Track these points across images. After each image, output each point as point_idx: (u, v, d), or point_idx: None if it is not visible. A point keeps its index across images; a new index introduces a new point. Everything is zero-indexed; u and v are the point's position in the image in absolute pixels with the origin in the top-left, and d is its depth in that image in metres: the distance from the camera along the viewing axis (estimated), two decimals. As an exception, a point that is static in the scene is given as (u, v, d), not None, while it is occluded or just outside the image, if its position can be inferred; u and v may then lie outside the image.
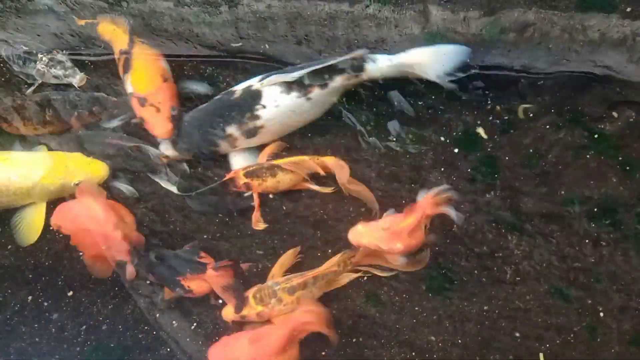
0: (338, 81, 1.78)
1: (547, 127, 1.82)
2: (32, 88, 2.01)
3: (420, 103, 1.86)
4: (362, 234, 1.63)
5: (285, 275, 1.75)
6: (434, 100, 1.86)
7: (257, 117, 1.80)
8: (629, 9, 1.67)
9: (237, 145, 1.84)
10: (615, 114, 1.82)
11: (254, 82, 1.81)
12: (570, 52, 1.74)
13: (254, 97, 1.80)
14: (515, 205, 1.78)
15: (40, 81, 2.00)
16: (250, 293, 1.70)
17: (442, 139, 1.84)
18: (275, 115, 1.80)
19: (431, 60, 1.73)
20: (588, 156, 1.79)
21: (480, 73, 1.79)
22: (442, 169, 1.81)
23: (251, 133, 1.82)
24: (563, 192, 1.78)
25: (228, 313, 1.72)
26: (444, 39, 1.74)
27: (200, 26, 1.90)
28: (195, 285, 1.73)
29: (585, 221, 1.75)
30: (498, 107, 1.84)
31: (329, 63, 1.76)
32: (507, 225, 1.77)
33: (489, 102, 1.85)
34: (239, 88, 1.84)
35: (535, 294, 1.72)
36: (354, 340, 1.74)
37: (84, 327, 1.87)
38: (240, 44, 1.91)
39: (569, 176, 1.79)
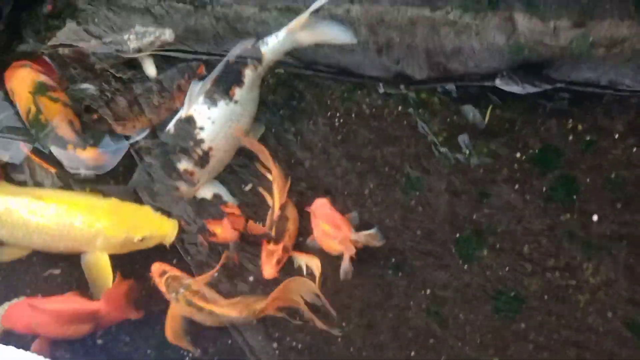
0: (248, 74, 1.81)
1: (633, 149, 1.72)
2: (148, 66, 2.05)
3: (497, 116, 1.82)
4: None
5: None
6: (511, 114, 1.81)
7: (201, 141, 1.79)
8: None
9: (197, 180, 1.81)
10: None
11: (181, 112, 1.83)
12: None
13: (187, 124, 1.80)
14: (594, 230, 1.68)
15: (145, 53, 2.05)
16: (165, 277, 1.70)
17: (518, 155, 1.77)
18: (215, 132, 1.79)
19: (311, 30, 1.76)
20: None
21: (564, 87, 1.73)
22: (516, 187, 1.75)
23: (204, 160, 1.80)
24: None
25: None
26: (531, 51, 1.71)
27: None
28: (220, 230, 1.74)
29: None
30: (580, 126, 1.76)
31: (225, 62, 1.81)
32: (582, 250, 1.67)
33: (571, 119, 1.77)
34: (170, 125, 1.84)
35: (609, 324, 1.61)
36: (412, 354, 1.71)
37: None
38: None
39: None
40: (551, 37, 1.69)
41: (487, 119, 1.82)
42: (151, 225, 1.77)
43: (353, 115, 1.92)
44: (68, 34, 2.15)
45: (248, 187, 1.89)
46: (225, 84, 1.80)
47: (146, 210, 1.81)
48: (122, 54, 2.06)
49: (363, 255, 1.69)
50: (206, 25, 2.11)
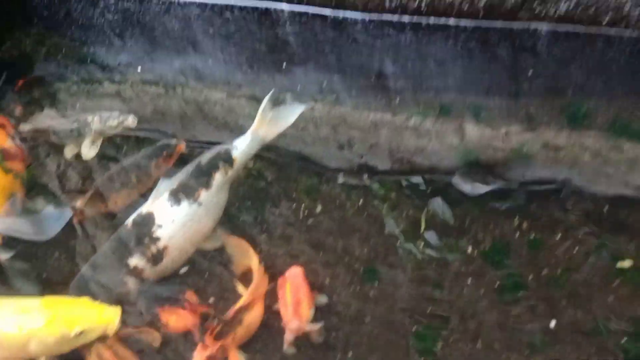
0: (218, 178, 1.83)
1: (577, 247, 1.81)
2: (93, 146, 2.09)
3: (459, 212, 1.90)
4: None
5: None
6: (472, 210, 1.89)
7: (157, 239, 1.76)
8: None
9: (146, 278, 1.78)
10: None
11: (143, 207, 1.83)
12: (604, 173, 1.83)
13: (147, 220, 1.79)
14: (542, 325, 1.72)
15: (102, 137, 2.09)
16: None
17: (471, 250, 1.84)
18: (174, 231, 1.78)
19: (272, 122, 1.87)
20: (618, 282, 1.75)
21: (513, 187, 1.86)
22: (470, 280, 1.80)
23: (157, 258, 1.77)
24: (592, 314, 1.73)
25: None
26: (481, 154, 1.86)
27: (245, 118, 2.06)
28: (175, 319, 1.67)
29: (618, 343, 1.66)
30: (527, 224, 1.85)
31: (197, 163, 1.84)
32: (533, 345, 1.70)
33: (520, 217, 1.87)
34: (130, 219, 1.83)
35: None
36: None
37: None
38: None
39: (598, 299, 1.74)
40: (501, 141, 1.85)
41: (423, 225, 1.88)
42: (89, 317, 1.61)
43: (318, 205, 1.96)
44: (44, 118, 2.20)
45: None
46: (193, 186, 1.81)
47: (83, 301, 1.67)
48: (83, 134, 2.09)
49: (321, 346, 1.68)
50: (174, 107, 2.21)
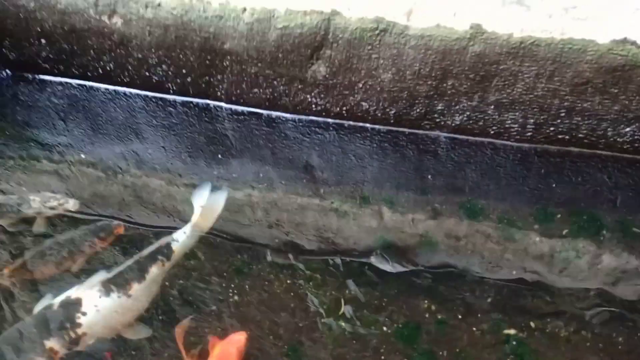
0: (154, 271, 1.90)
1: (478, 330, 2.01)
2: (37, 225, 2.14)
3: (376, 292, 2.07)
4: None
5: None
6: (387, 290, 2.06)
7: (78, 325, 1.79)
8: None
9: (58, 356, 1.80)
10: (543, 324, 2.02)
11: (73, 291, 1.86)
12: (503, 259, 2.10)
13: (73, 305, 1.82)
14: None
15: (42, 216, 2.15)
16: None
17: (385, 328, 2.00)
18: (97, 320, 1.80)
19: (208, 213, 2.02)
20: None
21: (426, 269, 2.08)
22: (386, 356, 1.95)
23: (73, 342, 1.79)
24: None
25: None
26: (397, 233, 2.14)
27: (183, 204, 2.21)
28: None
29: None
30: (434, 305, 2.05)
31: (136, 259, 1.90)
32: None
33: (428, 299, 2.07)
34: (57, 300, 1.85)
35: None
36: None
37: None
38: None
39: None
40: (410, 227, 2.13)
41: (342, 303, 2.02)
42: None
43: (247, 283, 2.08)
44: None
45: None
46: (127, 278, 1.86)
47: None
48: (22, 212, 2.15)
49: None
50: (114, 191, 2.33)
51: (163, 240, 1.96)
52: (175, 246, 1.95)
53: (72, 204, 2.16)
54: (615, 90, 2.14)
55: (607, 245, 2.11)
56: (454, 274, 2.08)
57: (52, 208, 2.14)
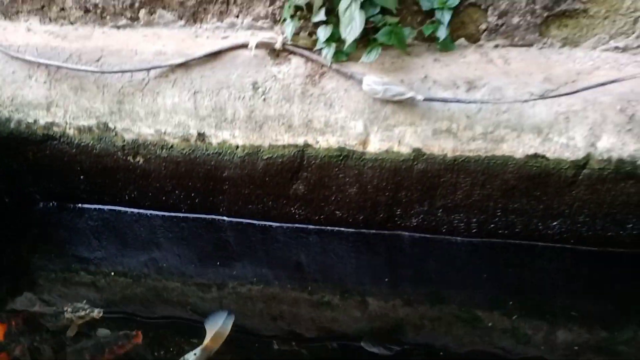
0: None
1: None
2: (70, 331, 2.56)
3: None
4: None
5: None
6: None
7: None
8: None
9: None
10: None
11: None
12: (468, 339, 2.40)
13: None
14: None
15: (74, 323, 2.57)
16: None
17: None
18: None
19: (216, 337, 2.27)
20: None
21: (407, 350, 2.34)
22: None
23: None
24: None
25: None
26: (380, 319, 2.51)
27: (197, 300, 2.66)
28: None
29: None
30: None
31: None
32: None
33: None
34: None
35: None
36: None
37: None
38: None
39: None
40: (391, 313, 2.55)
41: None
42: None
43: None
44: (23, 301, 2.67)
45: None
46: None
47: None
48: (59, 320, 2.58)
49: None
50: (139, 294, 2.78)
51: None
52: None
53: (96, 313, 2.59)
54: (538, 193, 2.62)
55: (549, 329, 2.44)
56: (432, 351, 2.33)
57: (81, 317, 2.58)
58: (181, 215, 3.14)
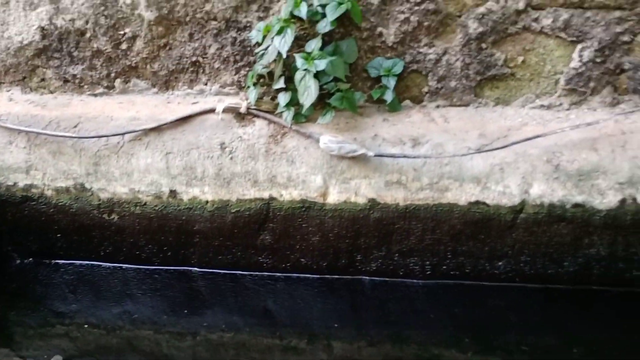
0: None
1: None
2: None
3: None
4: None
5: None
6: None
7: None
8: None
9: None
10: None
11: None
12: None
13: None
14: None
15: None
16: None
17: None
18: None
19: None
20: None
21: None
22: None
23: None
24: None
25: None
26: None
27: (170, 349, 2.80)
28: None
29: None
30: None
31: None
32: None
33: None
34: None
35: None
36: None
37: None
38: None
39: None
40: (356, 355, 2.73)
41: None
42: None
43: None
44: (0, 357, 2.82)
45: None
46: None
47: None
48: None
49: None
50: (113, 343, 2.88)
51: None
52: None
53: None
54: (482, 236, 2.89)
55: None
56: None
57: None
58: (154, 267, 3.31)
